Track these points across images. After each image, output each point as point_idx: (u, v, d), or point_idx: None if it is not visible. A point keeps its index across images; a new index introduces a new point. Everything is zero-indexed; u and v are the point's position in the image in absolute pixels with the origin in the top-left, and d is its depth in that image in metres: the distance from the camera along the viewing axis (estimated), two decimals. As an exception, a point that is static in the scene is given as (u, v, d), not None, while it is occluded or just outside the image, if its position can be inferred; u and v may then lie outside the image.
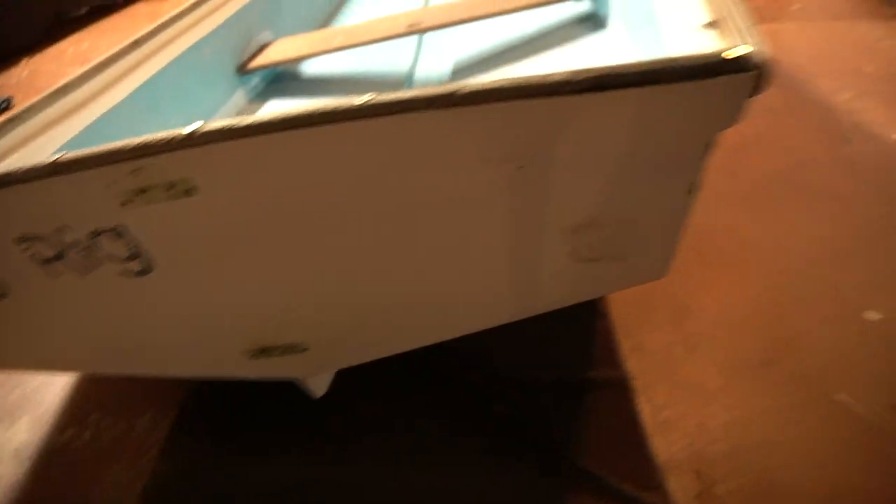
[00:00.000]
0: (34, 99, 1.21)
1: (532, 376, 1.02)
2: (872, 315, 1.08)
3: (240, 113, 1.85)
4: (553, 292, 0.70)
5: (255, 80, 1.96)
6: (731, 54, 0.48)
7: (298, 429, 0.96)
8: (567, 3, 1.90)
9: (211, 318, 0.77)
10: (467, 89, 0.50)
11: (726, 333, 1.08)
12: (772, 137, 1.63)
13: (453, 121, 0.52)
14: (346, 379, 0.93)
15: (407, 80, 2.00)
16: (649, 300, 1.16)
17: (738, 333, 1.08)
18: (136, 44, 1.52)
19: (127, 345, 0.82)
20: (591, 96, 0.49)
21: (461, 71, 2.00)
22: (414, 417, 0.97)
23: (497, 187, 0.57)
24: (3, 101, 2.08)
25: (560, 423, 0.94)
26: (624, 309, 1.15)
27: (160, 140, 0.54)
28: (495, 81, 0.50)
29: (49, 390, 1.07)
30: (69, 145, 1.23)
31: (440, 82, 1.95)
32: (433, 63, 2.09)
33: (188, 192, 0.59)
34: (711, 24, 0.62)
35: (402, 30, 1.83)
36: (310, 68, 2.10)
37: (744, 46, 0.48)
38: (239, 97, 1.88)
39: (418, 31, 1.82)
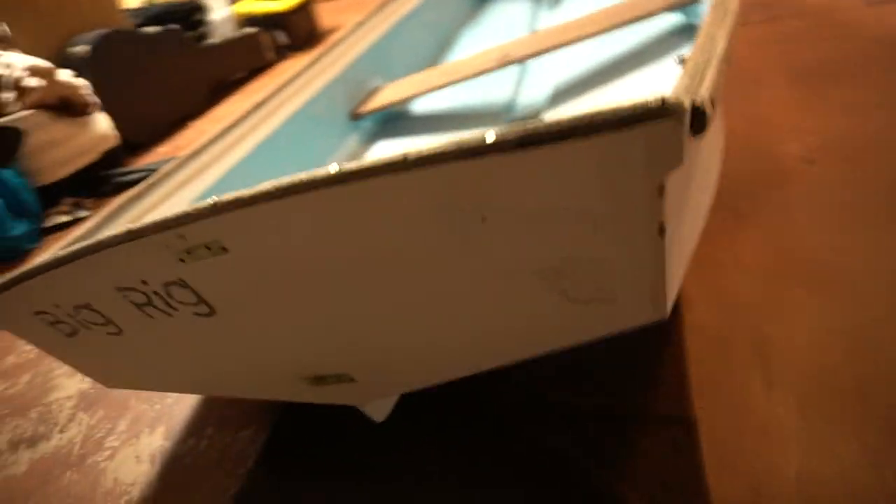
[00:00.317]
0: (169, 164, 1.48)
1: (585, 405, 1.02)
2: None
3: (352, 156, 2.04)
4: (555, 332, 0.72)
5: (367, 124, 2.16)
6: (652, 102, 0.49)
7: (377, 451, 1.06)
8: (660, 17, 1.86)
9: (269, 351, 0.89)
10: (414, 155, 0.57)
11: (813, 368, 0.99)
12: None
13: (414, 181, 0.59)
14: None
15: (507, 109, 2.08)
16: (728, 328, 1.10)
17: (826, 369, 0.98)
18: (259, 105, 1.77)
19: (213, 370, 0.99)
20: (522, 154, 0.53)
21: (560, 95, 2.03)
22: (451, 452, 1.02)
23: (467, 237, 0.63)
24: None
25: (609, 458, 0.94)
26: (698, 338, 1.10)
27: (193, 211, 0.67)
28: (438, 146, 0.56)
29: (181, 405, 1.29)
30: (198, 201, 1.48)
31: (539, 109, 2.00)
32: (534, 90, 2.14)
33: (223, 251, 0.72)
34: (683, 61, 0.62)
35: (493, 64, 1.91)
36: (418, 107, 2.26)
37: (665, 95, 0.49)
38: (352, 141, 2.08)
39: (508, 63, 1.89)
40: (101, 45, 2.57)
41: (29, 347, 1.59)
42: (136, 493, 1.11)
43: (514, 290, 0.68)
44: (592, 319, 0.69)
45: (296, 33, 3.68)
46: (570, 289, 0.66)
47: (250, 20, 3.58)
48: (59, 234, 2.18)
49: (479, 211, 0.60)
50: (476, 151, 0.54)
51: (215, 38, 3.38)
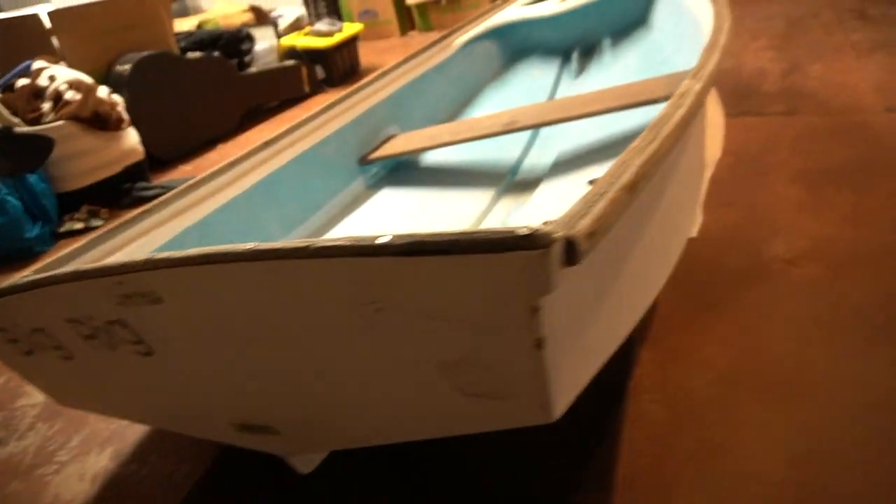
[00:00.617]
0: (171, 192, 1.55)
1: (506, 489, 1.02)
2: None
3: (356, 199, 2.10)
4: (452, 420, 0.73)
5: (376, 169, 2.22)
6: (521, 232, 0.51)
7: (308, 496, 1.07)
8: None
9: (202, 395, 0.92)
10: (316, 245, 0.60)
11: (750, 485, 0.97)
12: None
13: (316, 268, 0.62)
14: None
15: (512, 172, 2.11)
16: (672, 426, 1.08)
17: (764, 484, 0.96)
18: (267, 144, 1.84)
19: (153, 405, 1.02)
20: (410, 260, 0.56)
21: (562, 164, 2.06)
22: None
23: (366, 324, 0.65)
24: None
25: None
26: (641, 429, 1.09)
27: (130, 263, 0.72)
28: (339, 241, 0.59)
29: (135, 428, 1.32)
30: (185, 234, 1.54)
31: (540, 176, 2.03)
32: (539, 156, 2.18)
33: (157, 301, 0.76)
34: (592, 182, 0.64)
35: (499, 129, 1.95)
36: (428, 158, 2.31)
37: (537, 226, 0.51)
38: (358, 184, 2.14)
39: (513, 130, 1.93)
40: (140, 66, 2.73)
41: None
42: (69, 512, 1.13)
43: (412, 377, 0.69)
44: (487, 413, 0.70)
45: (334, 69, 3.83)
46: (465, 383, 0.67)
47: (292, 53, 3.74)
48: (71, 240, 2.27)
49: (374, 303, 0.63)
50: (369, 251, 0.57)
51: (256, 67, 3.53)
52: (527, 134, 2.29)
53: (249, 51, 3.51)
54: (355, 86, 2.24)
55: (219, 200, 1.66)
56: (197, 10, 4.42)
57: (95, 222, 2.38)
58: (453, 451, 1.09)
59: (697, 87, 0.93)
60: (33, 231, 2.19)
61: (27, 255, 2.18)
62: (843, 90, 2.40)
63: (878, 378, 1.11)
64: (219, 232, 1.61)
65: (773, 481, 0.97)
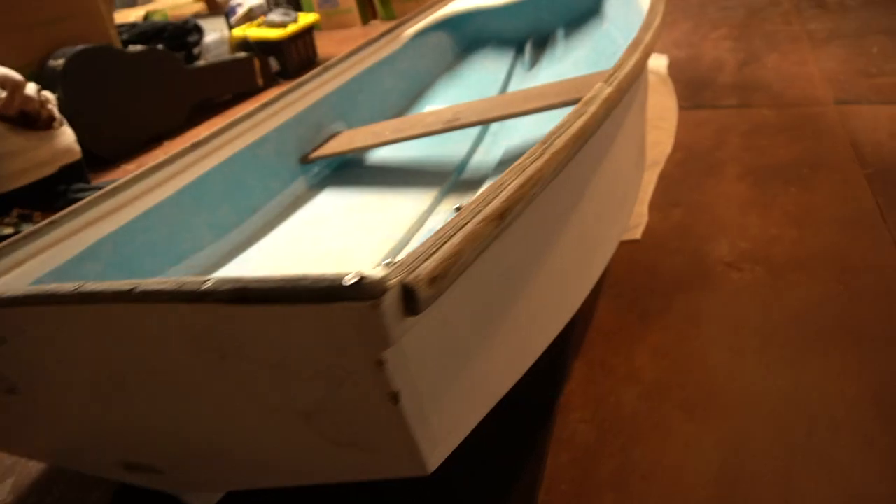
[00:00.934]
0: (83, 201, 1.45)
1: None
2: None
3: (297, 200, 2.01)
4: (324, 468, 0.67)
5: (318, 168, 2.13)
6: (348, 280, 0.44)
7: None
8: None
9: (80, 434, 0.85)
10: (140, 289, 0.52)
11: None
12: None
13: (146, 312, 0.55)
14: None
15: (458, 169, 2.04)
16: (596, 445, 1.03)
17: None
18: (196, 145, 1.75)
19: (40, 443, 0.94)
20: (234, 308, 0.49)
21: (509, 161, 1.99)
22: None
23: (215, 369, 0.58)
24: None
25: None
26: (565, 450, 1.04)
27: None
28: (160, 282, 0.51)
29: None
30: (97, 246, 1.45)
31: (486, 174, 1.97)
32: (487, 152, 2.11)
33: (2, 341, 0.68)
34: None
35: (440, 126, 1.88)
36: (373, 156, 2.23)
37: (366, 273, 0.44)
38: (299, 185, 2.05)
39: (455, 127, 1.86)
40: (74, 61, 2.59)
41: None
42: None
43: (276, 424, 0.63)
44: (362, 463, 0.64)
45: (289, 61, 3.70)
46: (332, 433, 0.61)
47: (244, 45, 3.61)
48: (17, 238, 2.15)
49: (217, 350, 0.56)
50: (194, 297, 0.50)
51: (205, 60, 3.40)
52: (476, 129, 2.22)
53: (197, 43, 3.37)
54: (297, 81, 2.14)
55: (139, 207, 1.56)
56: (145, 1, 4.25)
57: (27, 227, 2.26)
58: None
59: (607, 91, 0.87)
60: (-44, 238, 2.07)
61: (-50, 263, 2.05)
62: (796, 81, 2.36)
63: (807, 391, 1.07)
64: (138, 241, 1.52)
65: (698, 501, 0.92)
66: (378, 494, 1.02)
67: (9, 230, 2.24)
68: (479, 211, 0.56)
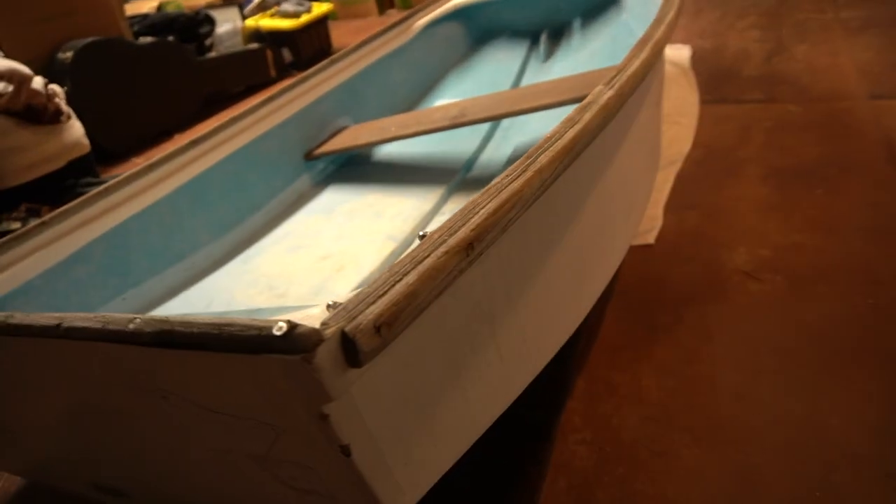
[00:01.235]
0: (76, 201, 1.42)
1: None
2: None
3: (301, 197, 1.96)
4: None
5: (323, 165, 2.08)
6: (277, 330, 0.38)
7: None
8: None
9: (52, 454, 0.82)
10: (65, 325, 0.47)
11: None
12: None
13: (77, 349, 0.50)
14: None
15: (466, 167, 1.97)
16: (595, 473, 0.96)
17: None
18: (195, 142, 1.70)
19: (13, 459, 0.91)
20: (160, 351, 0.43)
21: (519, 158, 1.91)
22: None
23: (158, 408, 0.53)
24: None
25: None
26: (563, 477, 0.97)
27: None
28: (85, 318, 0.46)
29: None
30: (89, 247, 1.42)
31: (494, 172, 1.89)
32: (496, 149, 2.03)
33: None
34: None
35: (447, 122, 1.81)
36: (380, 152, 2.17)
37: (297, 323, 0.38)
38: (303, 182, 2.00)
39: (462, 124, 1.78)
40: (82, 53, 2.57)
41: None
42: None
43: (230, 465, 0.58)
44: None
45: (302, 52, 3.65)
46: (286, 478, 0.56)
47: (257, 35, 3.56)
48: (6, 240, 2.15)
49: (156, 389, 0.51)
50: (119, 338, 0.45)
51: (217, 51, 3.36)
52: (485, 125, 2.14)
53: (209, 34, 3.33)
54: (302, 74, 2.09)
55: (133, 208, 1.53)
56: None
57: (35, 221, 2.25)
58: None
59: (607, 95, 0.79)
60: (-37, 233, 2.07)
61: (-42, 258, 2.05)
62: (827, 74, 2.23)
63: (825, 419, 0.99)
64: (132, 243, 1.49)
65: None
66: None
67: (17, 225, 2.23)
68: (443, 242, 0.49)
